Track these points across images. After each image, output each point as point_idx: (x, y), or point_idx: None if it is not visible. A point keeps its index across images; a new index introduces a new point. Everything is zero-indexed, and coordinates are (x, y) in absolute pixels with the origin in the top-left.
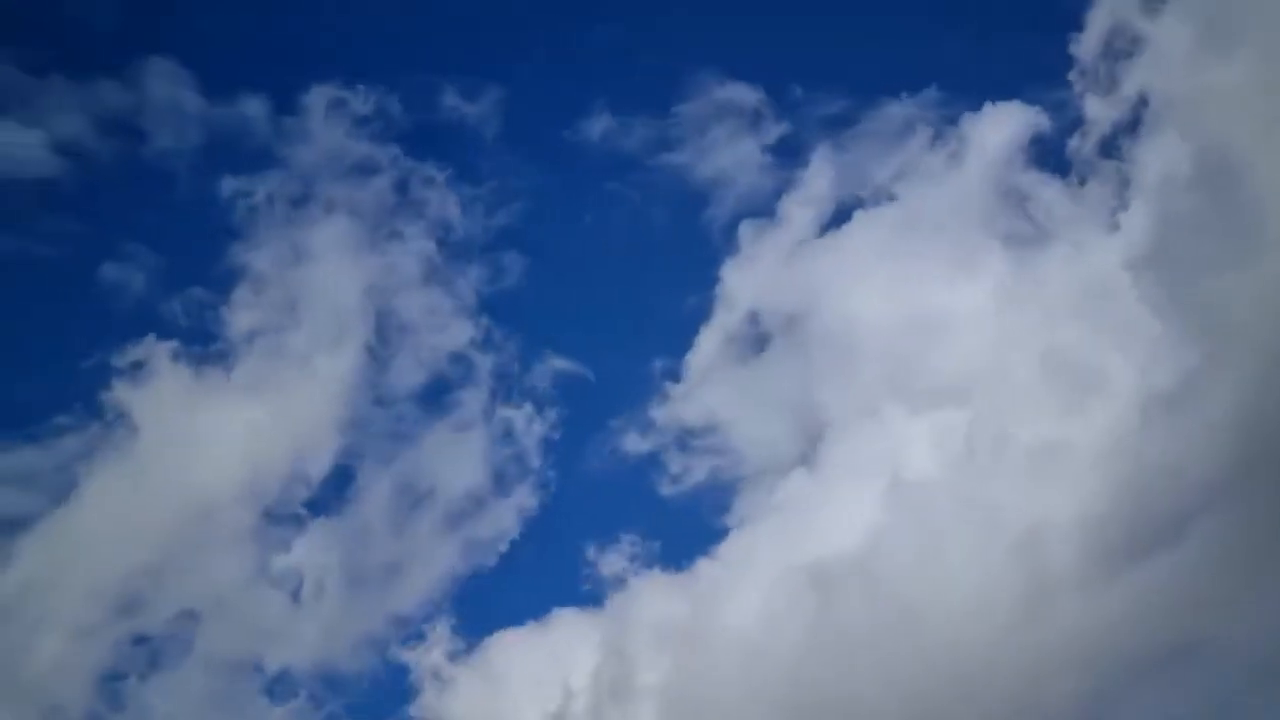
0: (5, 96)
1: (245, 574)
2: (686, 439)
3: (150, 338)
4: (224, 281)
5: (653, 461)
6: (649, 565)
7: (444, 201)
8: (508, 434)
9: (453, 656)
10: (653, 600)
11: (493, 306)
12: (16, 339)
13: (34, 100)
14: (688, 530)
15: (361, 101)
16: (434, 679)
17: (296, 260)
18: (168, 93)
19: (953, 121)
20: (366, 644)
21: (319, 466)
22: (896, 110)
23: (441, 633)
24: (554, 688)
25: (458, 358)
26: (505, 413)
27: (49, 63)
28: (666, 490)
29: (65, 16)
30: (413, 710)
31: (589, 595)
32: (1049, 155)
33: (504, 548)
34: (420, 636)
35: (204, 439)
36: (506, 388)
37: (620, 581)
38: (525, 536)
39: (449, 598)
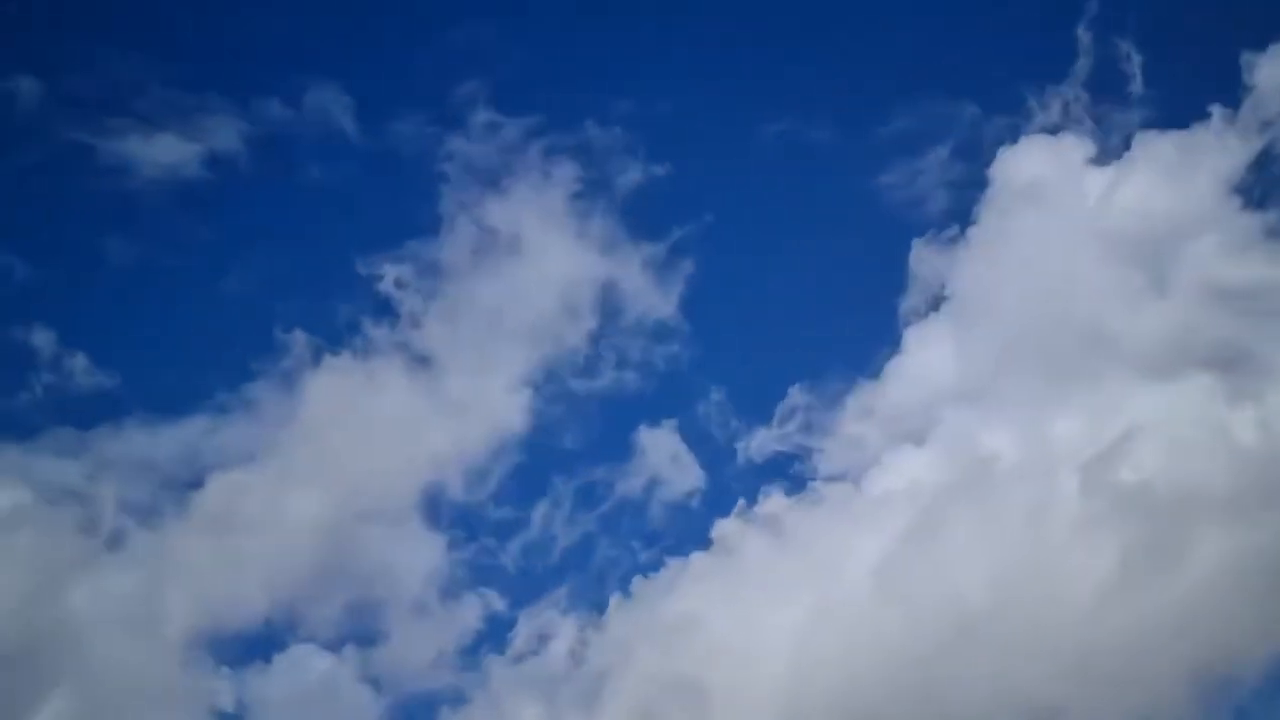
0: (166, 111)
1: (411, 576)
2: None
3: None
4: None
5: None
6: None
7: (615, 210)
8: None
9: None
10: None
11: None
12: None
13: (194, 115)
14: None
15: (520, 122)
16: None
17: (470, 262)
18: (326, 113)
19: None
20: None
21: (499, 469)
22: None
23: None
24: None
25: (639, 366)
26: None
27: (211, 79)
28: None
29: (231, 35)
30: None
31: None
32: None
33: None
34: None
35: (377, 433)
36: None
37: None
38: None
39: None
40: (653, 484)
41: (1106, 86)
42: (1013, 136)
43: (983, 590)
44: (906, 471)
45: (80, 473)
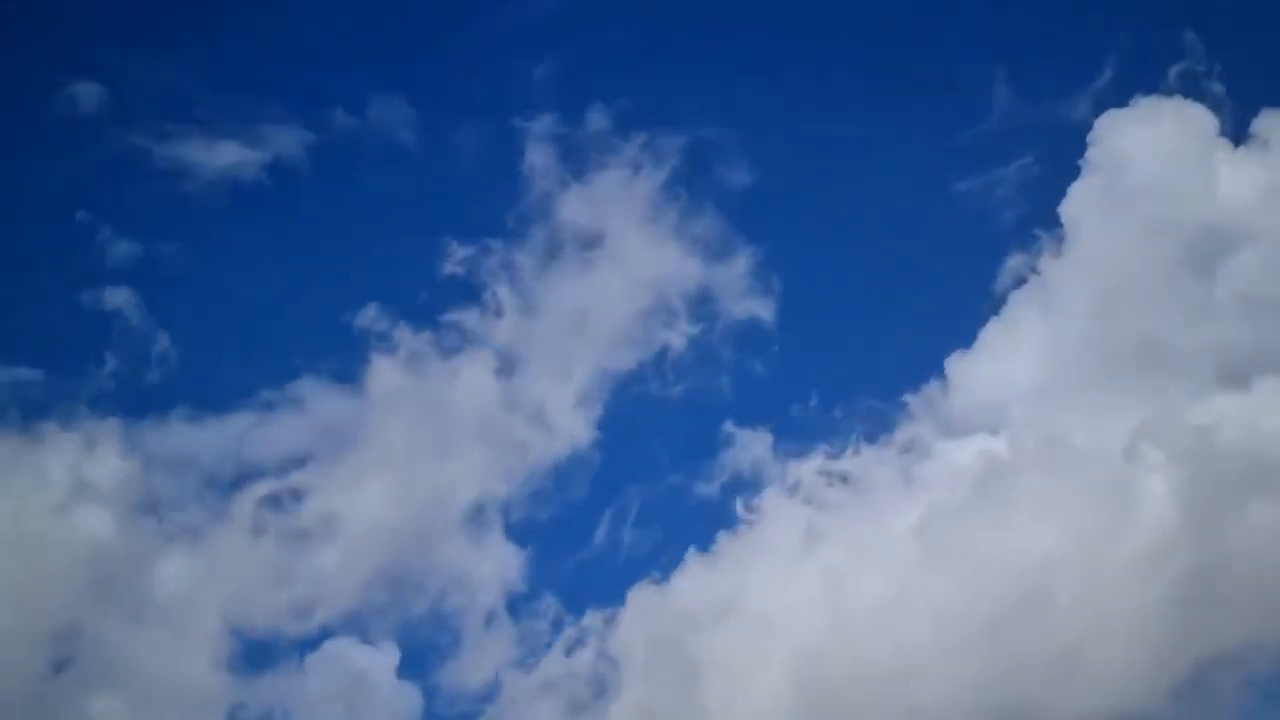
0: (230, 119)
1: (471, 583)
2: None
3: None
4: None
5: None
6: None
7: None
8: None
9: None
10: None
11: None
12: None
13: (257, 124)
14: None
15: (601, 113)
16: None
17: (552, 261)
18: (391, 116)
19: None
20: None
21: (574, 474)
22: None
23: None
24: None
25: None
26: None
27: (277, 89)
28: None
29: (299, 45)
30: None
31: None
32: None
33: None
34: None
35: (443, 432)
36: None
37: None
38: None
39: None
40: (736, 489)
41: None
42: (1122, 99)
43: (1002, 589)
44: (956, 464)
45: (128, 467)
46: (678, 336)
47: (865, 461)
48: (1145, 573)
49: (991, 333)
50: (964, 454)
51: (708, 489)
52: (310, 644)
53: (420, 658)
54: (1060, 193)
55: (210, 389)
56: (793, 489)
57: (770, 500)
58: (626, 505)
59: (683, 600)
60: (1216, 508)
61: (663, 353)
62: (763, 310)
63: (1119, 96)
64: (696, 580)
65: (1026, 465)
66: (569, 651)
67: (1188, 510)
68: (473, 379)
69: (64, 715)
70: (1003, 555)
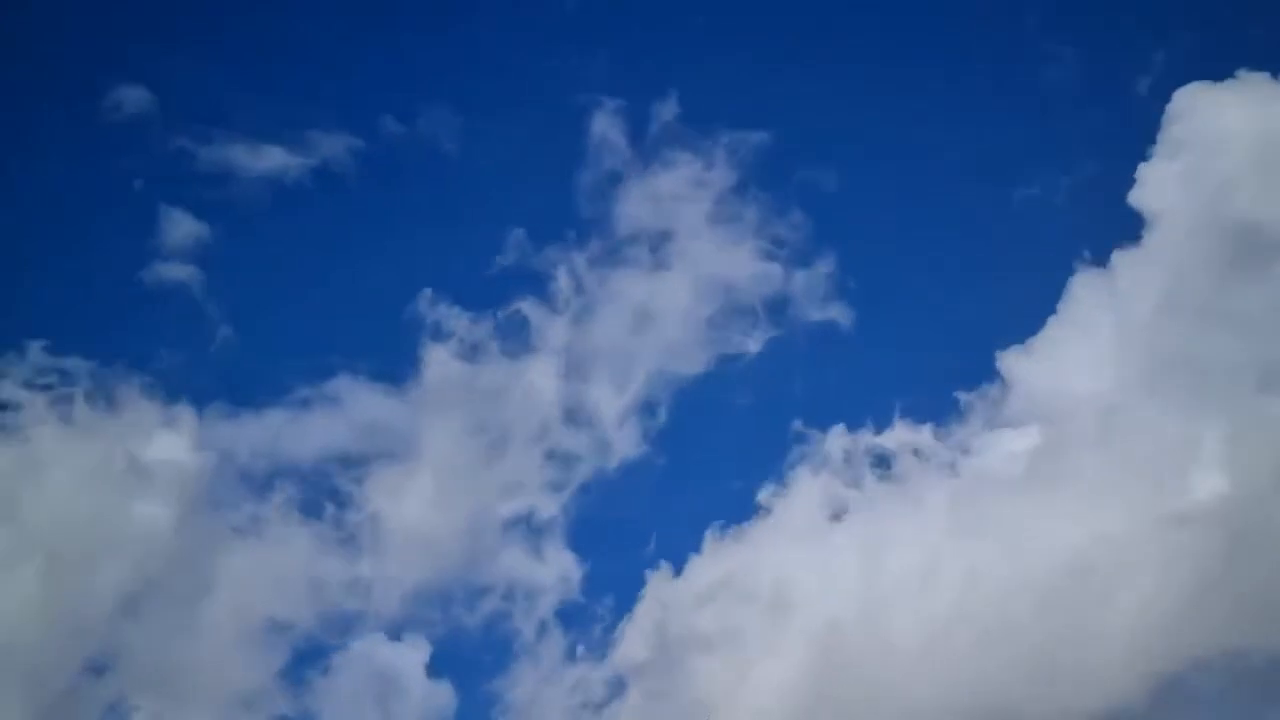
0: (275, 125)
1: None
2: None
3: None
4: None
5: None
6: None
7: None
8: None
9: None
10: None
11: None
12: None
13: (303, 131)
14: None
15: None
16: None
17: (618, 263)
18: (437, 129)
19: None
20: None
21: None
22: None
23: None
24: None
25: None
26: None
27: (324, 96)
28: None
29: (346, 52)
30: None
31: None
32: None
33: None
34: None
35: (499, 427)
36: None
37: None
38: None
39: None
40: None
41: None
42: (1219, 73)
43: (1019, 587)
44: (1000, 458)
45: (194, 460)
46: (753, 342)
47: (923, 456)
48: (1169, 572)
49: (1052, 329)
50: (1006, 448)
51: (770, 492)
52: (347, 646)
53: (466, 660)
54: (1131, 180)
55: (260, 384)
56: (859, 489)
57: (822, 492)
58: (686, 512)
59: (709, 586)
60: (1258, 513)
61: (734, 358)
62: (839, 314)
63: (1200, 68)
64: (738, 567)
65: (1066, 459)
66: (610, 648)
67: (1223, 512)
68: (531, 380)
69: (105, 704)
70: (1025, 550)
